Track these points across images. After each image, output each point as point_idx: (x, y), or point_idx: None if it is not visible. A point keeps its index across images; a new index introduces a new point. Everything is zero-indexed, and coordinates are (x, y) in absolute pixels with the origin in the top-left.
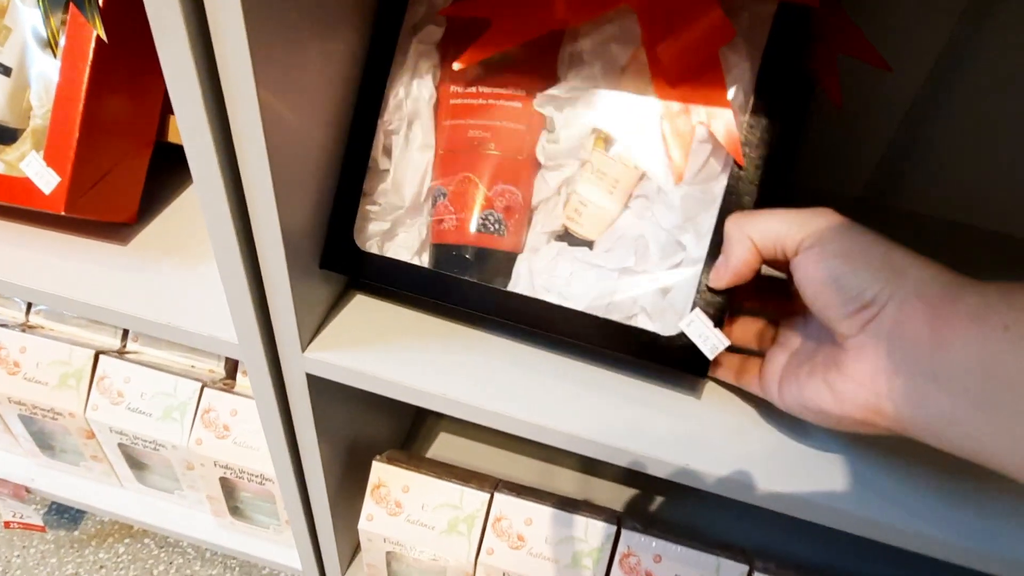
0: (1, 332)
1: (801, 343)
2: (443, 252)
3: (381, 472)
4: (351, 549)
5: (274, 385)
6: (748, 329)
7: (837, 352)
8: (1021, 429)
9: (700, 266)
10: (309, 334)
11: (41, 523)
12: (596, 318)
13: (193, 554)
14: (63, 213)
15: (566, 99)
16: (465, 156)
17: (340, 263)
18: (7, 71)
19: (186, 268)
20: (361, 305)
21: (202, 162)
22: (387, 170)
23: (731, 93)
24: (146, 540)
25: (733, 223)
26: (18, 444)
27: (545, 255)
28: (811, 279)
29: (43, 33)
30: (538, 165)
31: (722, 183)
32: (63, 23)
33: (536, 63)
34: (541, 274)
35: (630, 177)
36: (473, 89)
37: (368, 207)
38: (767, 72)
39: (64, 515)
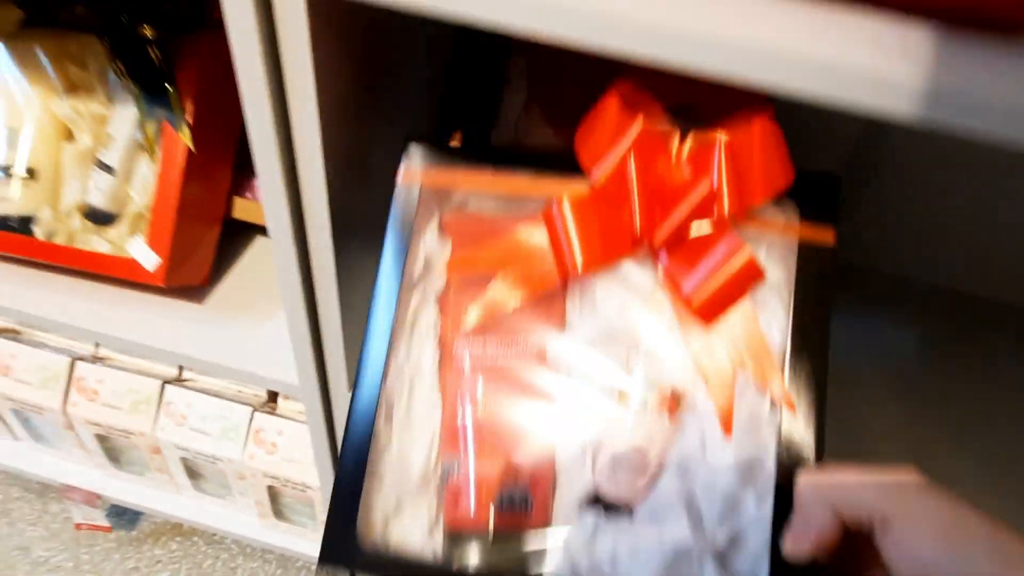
0: (81, 365)
1: None
2: (461, 538)
3: None
4: None
5: (324, 418)
6: None
7: None
8: None
9: (767, 531)
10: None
11: (107, 524)
12: None
13: (236, 549)
14: (163, 286)
15: (584, 350)
16: (480, 423)
17: (343, 559)
18: (111, 170)
19: (252, 322)
20: None
21: (282, 242)
22: (390, 441)
23: (768, 333)
24: (195, 538)
25: (809, 484)
26: (90, 458)
27: (580, 530)
28: (911, 561)
29: (140, 139)
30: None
31: (773, 428)
32: (158, 131)
33: (546, 307)
34: (581, 555)
35: (665, 431)
36: (480, 344)
37: (372, 485)
38: (800, 310)
39: (122, 517)
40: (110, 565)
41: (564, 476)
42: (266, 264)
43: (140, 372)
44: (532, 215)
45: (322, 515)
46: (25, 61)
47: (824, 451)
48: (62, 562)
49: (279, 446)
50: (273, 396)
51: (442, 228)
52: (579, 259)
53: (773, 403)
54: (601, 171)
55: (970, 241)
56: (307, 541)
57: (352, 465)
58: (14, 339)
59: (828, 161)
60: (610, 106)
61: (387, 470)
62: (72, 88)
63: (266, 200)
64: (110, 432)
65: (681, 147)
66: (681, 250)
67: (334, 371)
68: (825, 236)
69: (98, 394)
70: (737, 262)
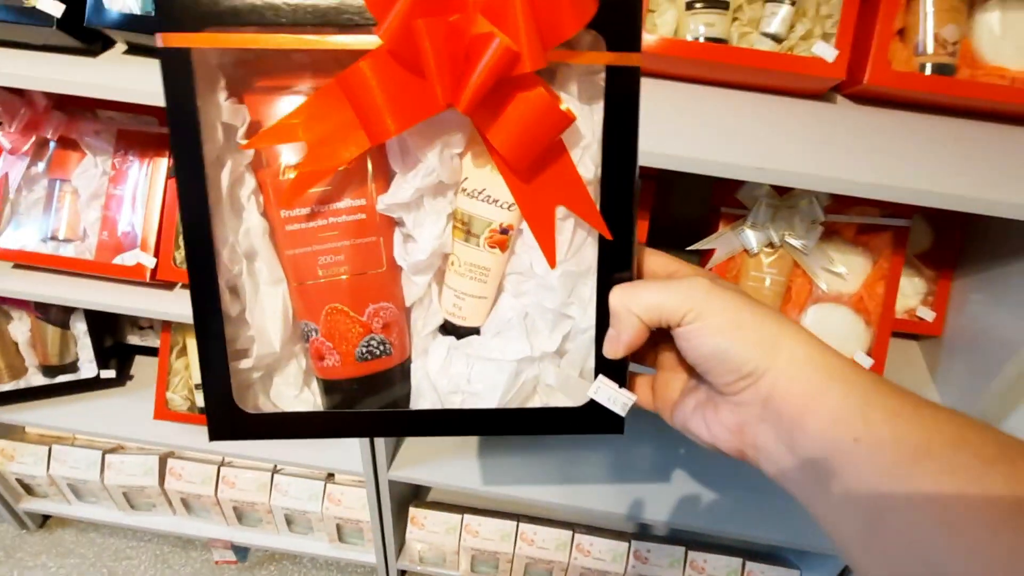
0: (223, 469)
1: (688, 377)
2: (334, 386)
3: (414, 511)
4: (399, 548)
5: (375, 486)
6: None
7: (717, 399)
8: (847, 518)
9: (591, 333)
10: (389, 461)
11: (235, 559)
12: (510, 411)
13: (311, 565)
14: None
15: (412, 201)
16: (324, 286)
17: (230, 431)
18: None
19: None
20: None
21: None
22: (242, 315)
23: (581, 169)
24: (284, 561)
25: (617, 300)
26: (226, 521)
27: (436, 356)
28: (695, 351)
29: None
30: (400, 268)
31: (592, 249)
32: None
33: (371, 162)
34: (440, 378)
35: (499, 263)
36: (307, 211)
37: (240, 363)
38: (609, 138)
39: (239, 553)
40: None
41: (415, 314)
42: None
43: (257, 469)
44: (329, 71)
45: (369, 536)
46: None
47: (632, 266)
48: None
49: (342, 501)
50: (331, 475)
51: (233, 93)
52: (389, 123)
53: (590, 228)
54: (387, 28)
55: None
56: (359, 553)
57: (211, 348)
58: (181, 459)
59: None
60: None
61: (248, 344)
62: None
63: None
64: (242, 505)
65: None
66: (487, 104)
67: (380, 461)
68: (631, 59)
69: (235, 484)
70: (542, 114)
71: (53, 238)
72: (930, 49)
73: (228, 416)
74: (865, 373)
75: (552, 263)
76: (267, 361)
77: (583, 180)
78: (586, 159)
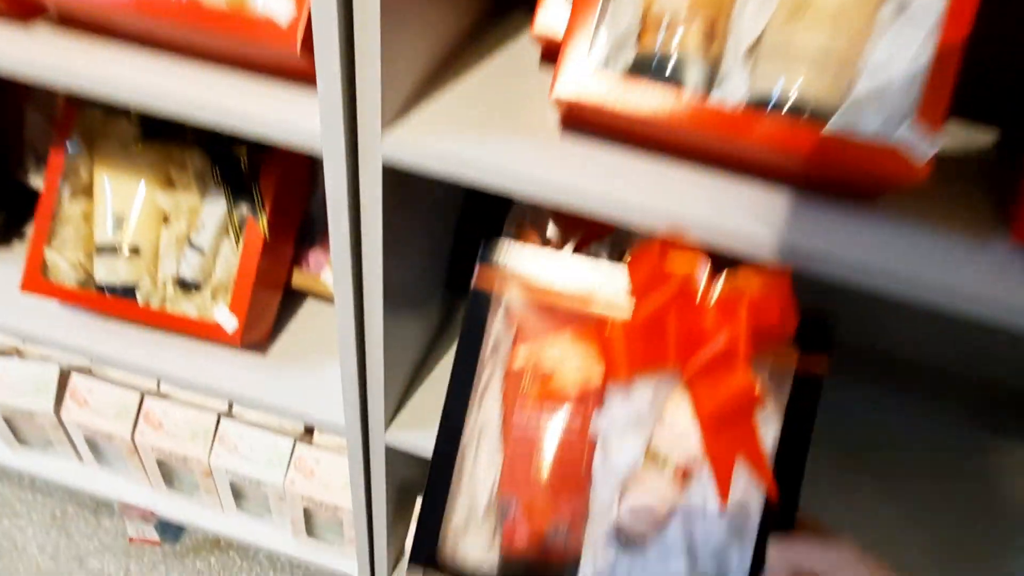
0: (149, 400)
1: None
2: (511, 562)
3: None
4: (395, 560)
5: (363, 452)
6: None
7: None
8: None
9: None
10: (391, 416)
11: (158, 539)
12: None
13: (267, 564)
14: (239, 347)
15: (619, 426)
16: (532, 471)
17: (425, 560)
18: (202, 251)
19: (304, 371)
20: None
21: (343, 308)
22: (462, 477)
23: (763, 439)
24: (231, 552)
25: (776, 553)
26: (148, 480)
27: (604, 561)
28: None
29: (227, 227)
30: (594, 476)
31: (757, 504)
32: (243, 222)
33: (592, 390)
34: None
35: (677, 491)
36: (535, 414)
37: (450, 508)
38: (789, 423)
39: (167, 532)
40: (155, 574)
41: (595, 514)
42: (314, 324)
43: (198, 407)
44: (586, 319)
45: (350, 533)
46: (137, 163)
47: (792, 525)
48: (114, 572)
49: (316, 472)
50: (309, 429)
51: (508, 317)
52: (625, 371)
53: (760, 488)
54: (645, 308)
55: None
56: (335, 555)
57: (437, 491)
58: (90, 377)
59: None
60: (656, 254)
61: (461, 499)
62: (173, 185)
63: (337, 284)
64: (170, 458)
65: (710, 292)
66: (704, 377)
67: (375, 415)
68: (819, 367)
69: (163, 425)
70: (746, 397)
71: None
72: None
73: (427, 548)
74: None
75: (724, 504)
76: (469, 518)
77: (763, 445)
78: (768, 431)
